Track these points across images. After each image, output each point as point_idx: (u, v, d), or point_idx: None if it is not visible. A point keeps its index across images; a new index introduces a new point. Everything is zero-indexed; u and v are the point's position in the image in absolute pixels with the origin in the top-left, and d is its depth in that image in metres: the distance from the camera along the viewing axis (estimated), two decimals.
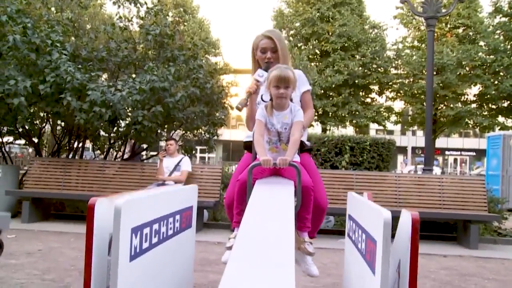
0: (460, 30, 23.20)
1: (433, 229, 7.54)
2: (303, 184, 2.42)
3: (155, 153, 9.87)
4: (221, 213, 8.05)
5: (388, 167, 9.39)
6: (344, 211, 7.24)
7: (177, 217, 1.97)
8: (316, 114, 23.09)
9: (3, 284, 3.81)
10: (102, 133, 8.66)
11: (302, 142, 2.77)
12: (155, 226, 1.71)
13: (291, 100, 2.67)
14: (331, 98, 22.02)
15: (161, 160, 7.39)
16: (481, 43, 21.76)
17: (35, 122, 8.49)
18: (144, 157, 10.13)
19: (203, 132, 9.23)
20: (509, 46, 21.21)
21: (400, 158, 51.42)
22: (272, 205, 2.10)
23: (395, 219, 5.06)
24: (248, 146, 2.84)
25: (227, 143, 43.21)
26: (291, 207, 2.12)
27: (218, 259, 5.23)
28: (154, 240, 1.74)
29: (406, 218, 1.60)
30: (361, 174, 7.56)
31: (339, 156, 8.92)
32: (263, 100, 2.72)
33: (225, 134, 8.84)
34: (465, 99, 21.78)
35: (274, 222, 1.84)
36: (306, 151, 2.91)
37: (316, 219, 2.66)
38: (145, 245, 1.66)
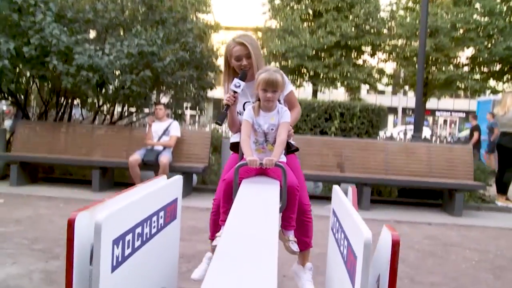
0: None
1: (420, 195, 7.66)
2: (288, 184, 2.44)
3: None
4: (209, 176, 8.10)
5: (378, 133, 9.42)
6: (331, 178, 7.32)
7: (161, 213, 1.96)
8: (307, 75, 22.88)
9: None
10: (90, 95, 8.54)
11: (288, 143, 2.79)
12: (138, 230, 1.70)
13: (279, 101, 2.68)
14: (323, 60, 21.75)
15: (150, 125, 7.35)
16: (477, 5, 21.40)
17: (21, 84, 8.31)
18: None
19: (192, 94, 9.16)
20: (505, 8, 20.89)
21: (390, 118, 51.69)
22: (257, 205, 2.12)
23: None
24: (234, 147, 2.89)
25: (217, 101, 42.95)
26: (276, 207, 2.15)
27: (206, 227, 5.27)
28: (137, 243, 1.72)
29: (387, 238, 1.61)
30: (350, 141, 7.59)
31: (329, 122, 8.91)
32: (244, 110, 2.77)
33: (214, 91, 8.77)
34: (457, 63, 21.63)
35: (259, 221, 1.87)
36: (292, 152, 2.94)
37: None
38: (128, 251, 1.65)
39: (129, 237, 1.61)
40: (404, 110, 46.19)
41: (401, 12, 22.67)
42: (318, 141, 7.61)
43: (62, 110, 8.94)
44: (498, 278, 3.98)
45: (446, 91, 21.25)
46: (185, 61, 8.12)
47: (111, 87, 7.83)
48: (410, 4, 22.77)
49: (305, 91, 26.90)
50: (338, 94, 27.45)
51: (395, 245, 1.52)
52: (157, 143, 7.23)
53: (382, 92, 26.03)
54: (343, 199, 2.05)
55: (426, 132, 27.21)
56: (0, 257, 3.76)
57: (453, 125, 51.82)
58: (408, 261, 4.36)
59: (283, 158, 2.67)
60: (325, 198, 7.66)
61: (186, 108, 10.46)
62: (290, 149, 2.88)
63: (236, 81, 2.65)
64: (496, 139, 14.35)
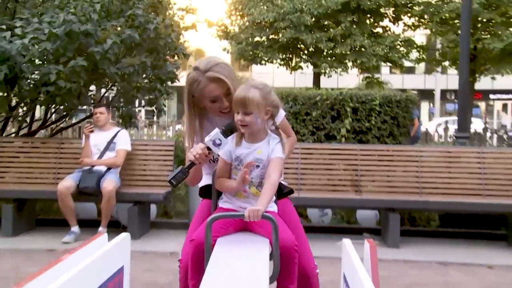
0: None
1: (472, 223, 7.66)
2: (282, 244, 2.43)
3: None
4: (174, 206, 8.08)
5: (406, 134, 9.47)
6: (344, 202, 7.36)
7: None
8: (306, 53, 22.90)
9: None
10: None
11: (280, 184, 2.77)
12: None
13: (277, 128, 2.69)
14: (326, 30, 21.78)
15: (87, 137, 7.27)
16: None
17: None
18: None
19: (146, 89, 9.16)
20: None
21: (424, 106, 51.80)
22: (237, 275, 2.10)
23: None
24: (206, 192, 2.94)
25: (182, 89, 42.71)
26: (265, 277, 2.12)
27: (170, 284, 5.26)
28: None
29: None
30: (367, 149, 7.63)
31: (338, 122, 8.92)
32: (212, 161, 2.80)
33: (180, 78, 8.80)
34: None
35: None
36: (285, 195, 2.95)
37: None
38: None
39: None
40: (443, 93, 46.26)
41: None
42: (323, 150, 7.63)
43: None
44: None
45: (504, 66, 21.28)
46: (135, 43, 8.09)
47: (27, 82, 7.77)
48: None
49: (305, 77, 26.72)
50: (349, 79, 27.36)
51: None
52: (98, 162, 7.19)
53: (411, 70, 25.87)
54: (356, 264, 2.04)
55: (477, 124, 27.52)
56: None
57: None
58: None
59: (274, 207, 2.68)
60: (336, 230, 7.69)
61: (140, 106, 10.44)
62: (282, 192, 2.87)
63: (217, 135, 2.58)
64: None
